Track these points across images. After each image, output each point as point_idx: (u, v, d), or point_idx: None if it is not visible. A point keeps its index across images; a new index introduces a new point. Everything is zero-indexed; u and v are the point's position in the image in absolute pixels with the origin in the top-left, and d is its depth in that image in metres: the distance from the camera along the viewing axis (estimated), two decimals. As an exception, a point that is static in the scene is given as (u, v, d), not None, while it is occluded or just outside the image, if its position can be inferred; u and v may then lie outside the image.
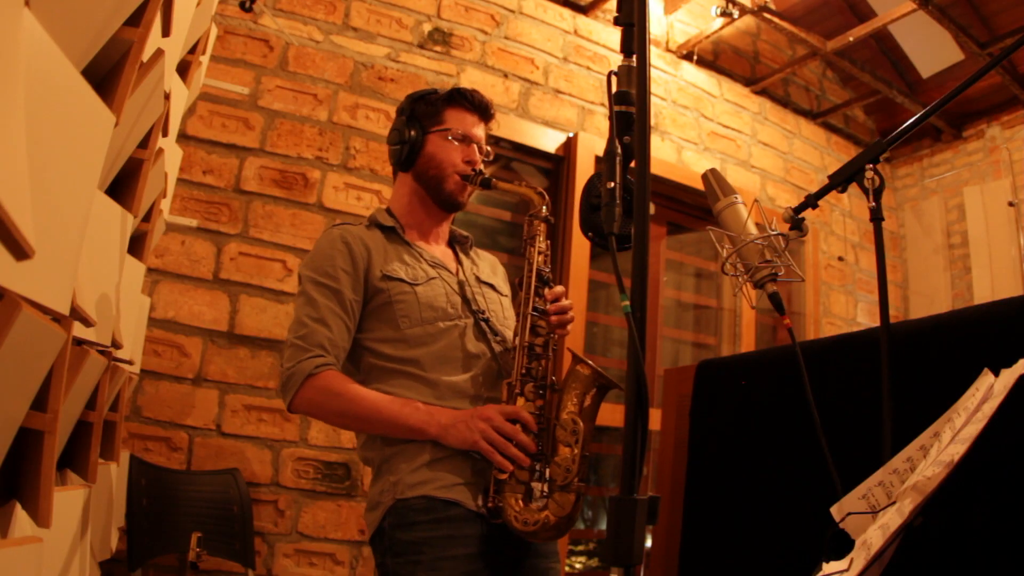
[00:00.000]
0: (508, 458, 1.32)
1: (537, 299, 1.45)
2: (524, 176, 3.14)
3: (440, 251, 1.59)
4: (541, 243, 1.49)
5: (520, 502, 1.32)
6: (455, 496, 1.33)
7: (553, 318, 1.44)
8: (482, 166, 1.57)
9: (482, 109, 1.59)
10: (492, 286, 1.60)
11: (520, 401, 1.38)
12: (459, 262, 1.60)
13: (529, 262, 1.48)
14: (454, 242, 1.65)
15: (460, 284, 1.53)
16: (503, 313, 1.58)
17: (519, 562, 1.39)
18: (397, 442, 1.39)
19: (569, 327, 1.49)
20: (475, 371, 1.44)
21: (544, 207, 1.50)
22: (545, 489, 1.33)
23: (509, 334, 1.53)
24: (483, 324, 1.49)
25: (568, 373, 1.40)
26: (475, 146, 1.56)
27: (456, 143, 1.54)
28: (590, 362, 1.39)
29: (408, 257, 1.51)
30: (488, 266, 1.67)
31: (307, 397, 1.36)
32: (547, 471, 1.35)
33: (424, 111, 1.57)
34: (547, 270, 1.48)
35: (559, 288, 1.49)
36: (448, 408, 1.38)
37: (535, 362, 1.41)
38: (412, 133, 1.55)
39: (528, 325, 1.42)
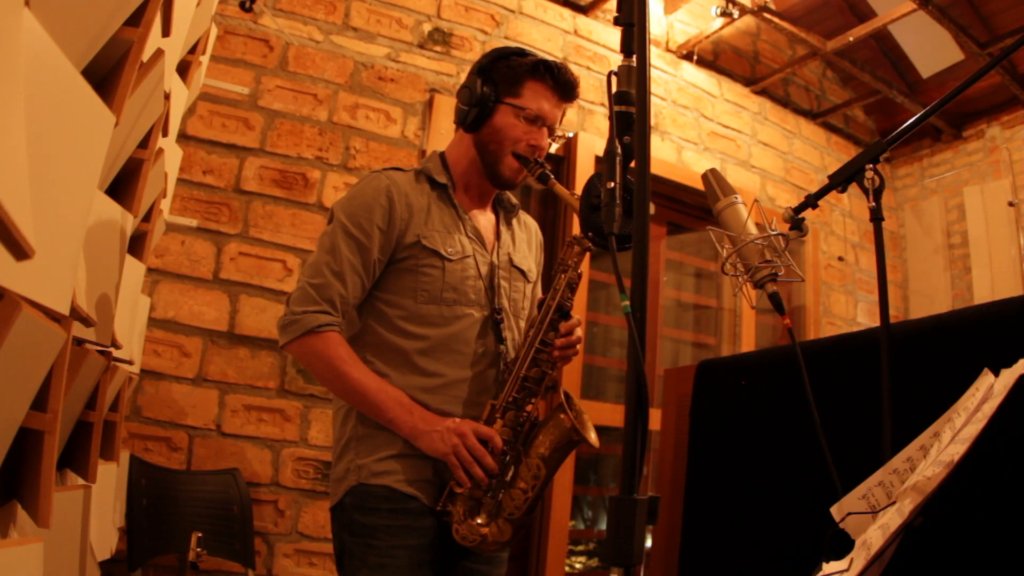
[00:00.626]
0: (470, 476, 1.34)
1: (551, 332, 1.42)
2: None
3: (484, 220, 1.54)
4: (573, 274, 1.43)
5: (466, 516, 1.35)
6: (415, 491, 1.36)
7: (556, 352, 1.43)
8: (549, 148, 1.50)
9: (566, 89, 1.48)
10: (522, 272, 1.56)
11: (498, 424, 1.38)
12: (498, 236, 1.55)
13: (555, 290, 1.42)
14: (499, 206, 1.59)
15: (491, 267, 1.49)
16: (523, 304, 1.55)
17: (463, 562, 1.43)
18: (371, 425, 1.39)
19: (572, 357, 1.48)
20: (473, 371, 1.43)
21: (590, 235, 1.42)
22: (493, 511, 1.36)
23: (518, 335, 1.52)
24: (496, 324, 1.46)
25: (551, 414, 1.40)
26: (545, 129, 1.47)
27: (526, 123, 1.45)
28: (573, 414, 1.38)
29: (450, 222, 1.46)
30: (525, 240, 1.62)
31: (301, 351, 1.38)
32: (500, 497, 1.37)
33: (504, 75, 1.46)
34: (569, 303, 1.43)
35: (574, 320, 1.46)
36: (430, 412, 1.38)
37: (523, 392, 1.40)
38: (485, 92, 1.45)
39: (531, 356, 1.40)
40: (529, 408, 1.41)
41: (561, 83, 1.47)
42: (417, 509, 1.36)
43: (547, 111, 1.47)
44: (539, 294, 1.60)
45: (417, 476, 1.37)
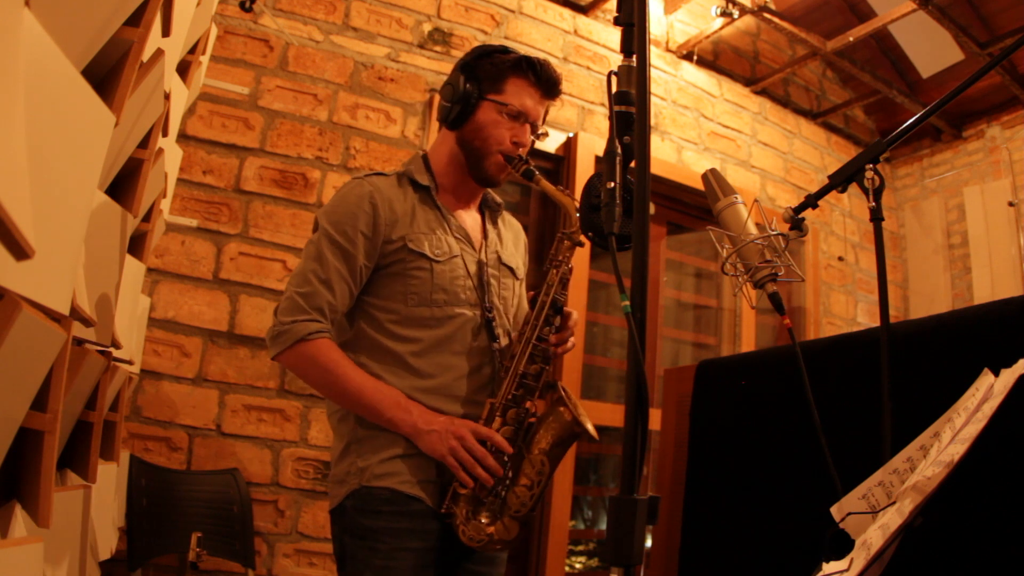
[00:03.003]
0: (473, 477, 1.33)
1: (546, 327, 1.41)
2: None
3: (470, 219, 1.53)
4: (565, 268, 1.43)
5: (470, 516, 1.35)
6: (418, 493, 1.35)
7: (552, 349, 1.43)
8: (533, 145, 1.50)
9: (548, 85, 1.49)
10: (511, 269, 1.56)
11: (497, 422, 1.38)
12: (484, 235, 1.54)
13: (548, 285, 1.42)
14: (484, 206, 1.58)
15: (479, 266, 1.48)
16: (513, 301, 1.55)
17: (465, 564, 1.42)
18: (371, 426, 1.38)
19: (566, 352, 1.48)
20: (469, 369, 1.43)
21: (579, 226, 1.42)
22: (497, 509, 1.36)
23: (511, 329, 1.52)
24: (488, 322, 1.46)
25: (550, 408, 1.40)
26: (529, 126, 1.48)
27: (509, 120, 1.46)
28: (573, 407, 1.38)
29: (435, 224, 1.45)
30: (512, 238, 1.61)
31: (293, 360, 1.37)
32: (504, 495, 1.36)
33: (487, 72, 1.47)
34: (563, 298, 1.43)
35: (573, 317, 1.46)
36: (428, 410, 1.37)
37: (521, 390, 1.40)
38: (468, 89, 1.45)
39: (528, 352, 1.40)
40: (528, 404, 1.40)
41: (544, 80, 1.48)
42: (420, 511, 1.35)
43: (530, 107, 1.47)
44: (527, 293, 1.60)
45: (421, 477, 1.36)
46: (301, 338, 1.34)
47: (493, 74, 1.46)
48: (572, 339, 1.48)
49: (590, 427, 1.39)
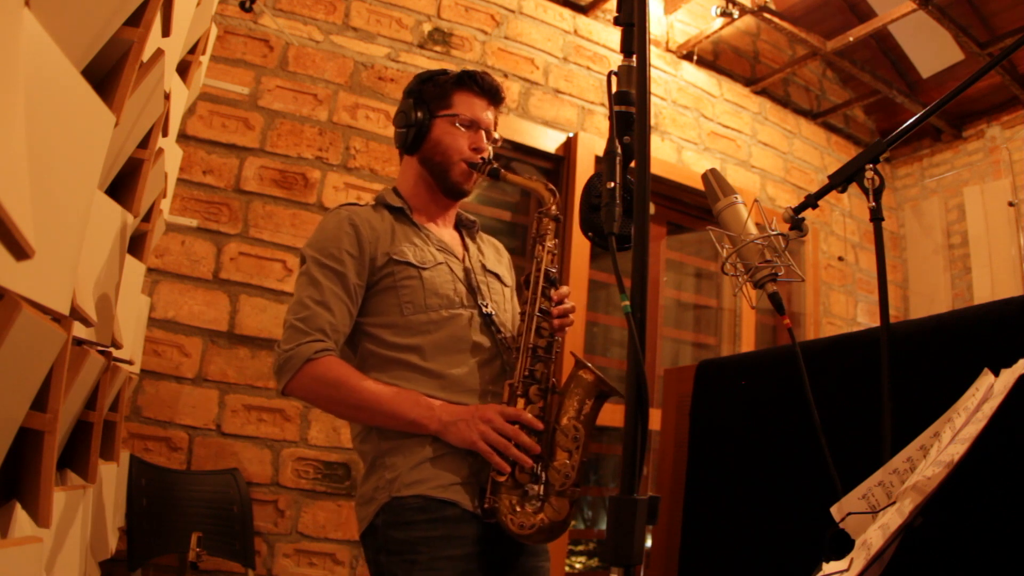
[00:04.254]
0: (509, 460, 1.31)
1: (543, 300, 1.43)
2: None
3: (448, 235, 1.56)
4: (549, 242, 1.47)
5: (516, 505, 1.31)
6: (452, 496, 1.32)
7: (556, 321, 1.43)
8: (490, 153, 1.54)
9: (492, 93, 1.55)
10: (497, 276, 1.57)
11: (521, 403, 1.36)
12: (466, 248, 1.57)
13: (537, 260, 1.46)
14: (461, 226, 1.62)
15: (466, 272, 1.50)
16: (506, 305, 1.56)
17: (511, 561, 1.38)
18: (394, 436, 1.36)
19: (568, 327, 1.49)
20: (478, 363, 1.42)
21: (554, 204, 1.49)
22: (541, 492, 1.32)
23: (511, 328, 1.52)
24: (487, 317, 1.46)
25: (570, 377, 1.39)
26: (483, 132, 1.53)
27: (463, 129, 1.51)
28: (593, 368, 1.38)
29: (416, 239, 1.48)
30: (493, 253, 1.64)
31: (303, 383, 1.34)
32: (545, 475, 1.33)
33: (432, 93, 1.53)
34: (554, 270, 1.46)
35: (564, 288, 1.47)
36: (450, 404, 1.37)
37: (538, 364, 1.40)
38: (419, 115, 1.51)
39: (534, 326, 1.41)
40: (544, 377, 1.40)
41: (486, 88, 1.54)
42: (455, 516, 1.31)
43: (479, 115, 1.53)
44: (518, 307, 1.60)
45: (453, 478, 1.33)
46: (307, 359, 1.33)
47: (438, 93, 1.53)
48: (572, 315, 1.49)
49: (614, 385, 1.37)
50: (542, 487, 1.32)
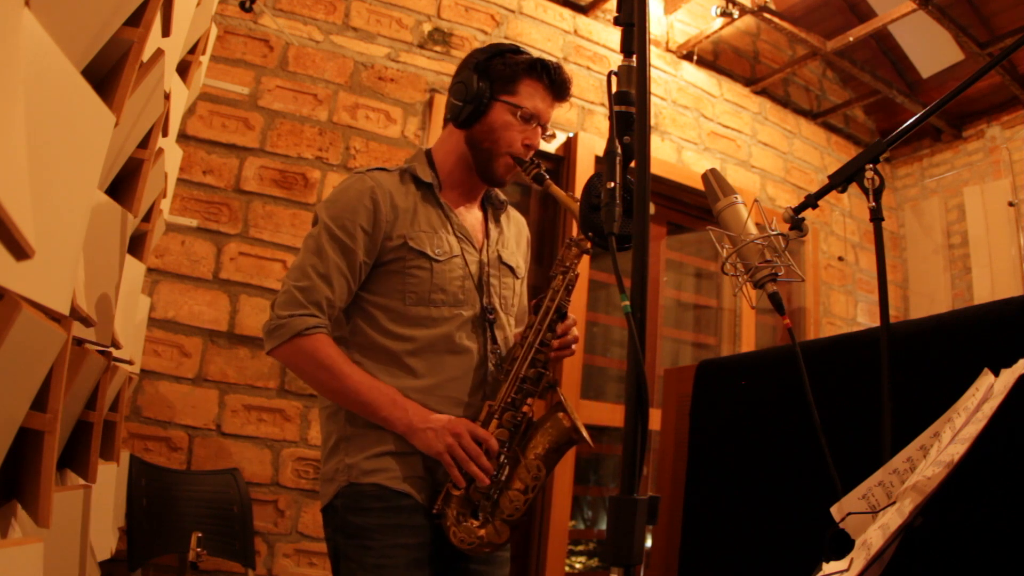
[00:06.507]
0: (467, 476, 1.33)
1: (549, 333, 1.42)
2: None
3: (471, 217, 1.52)
4: (572, 275, 1.43)
5: (460, 518, 1.34)
6: (406, 488, 1.35)
7: (553, 354, 1.43)
8: (541, 146, 1.49)
9: (562, 89, 1.48)
10: (511, 268, 1.55)
11: (493, 424, 1.38)
12: (487, 234, 1.53)
13: (554, 290, 1.43)
14: (487, 203, 1.57)
15: (480, 266, 1.48)
16: (513, 300, 1.54)
17: (461, 562, 1.40)
18: (361, 424, 1.38)
19: (566, 357, 1.49)
20: (464, 370, 1.42)
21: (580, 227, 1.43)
22: (489, 512, 1.35)
23: (510, 330, 1.52)
24: (487, 320, 1.45)
25: (549, 414, 1.40)
26: (539, 128, 1.47)
27: (522, 122, 1.44)
28: (572, 413, 1.38)
29: (437, 222, 1.45)
30: (515, 235, 1.61)
31: (289, 353, 1.36)
32: (497, 498, 1.36)
33: (500, 72, 1.45)
34: (567, 303, 1.43)
35: (571, 320, 1.46)
36: (424, 409, 1.37)
37: (520, 394, 1.40)
38: (479, 92, 1.43)
39: (530, 356, 1.40)
40: (525, 408, 1.40)
41: (557, 83, 1.47)
42: (410, 507, 1.34)
43: (542, 110, 1.46)
44: (526, 292, 1.60)
45: (408, 473, 1.36)
46: (298, 333, 1.33)
47: (506, 75, 1.45)
48: (574, 345, 1.49)
49: (587, 435, 1.40)
50: (492, 506, 1.35)
